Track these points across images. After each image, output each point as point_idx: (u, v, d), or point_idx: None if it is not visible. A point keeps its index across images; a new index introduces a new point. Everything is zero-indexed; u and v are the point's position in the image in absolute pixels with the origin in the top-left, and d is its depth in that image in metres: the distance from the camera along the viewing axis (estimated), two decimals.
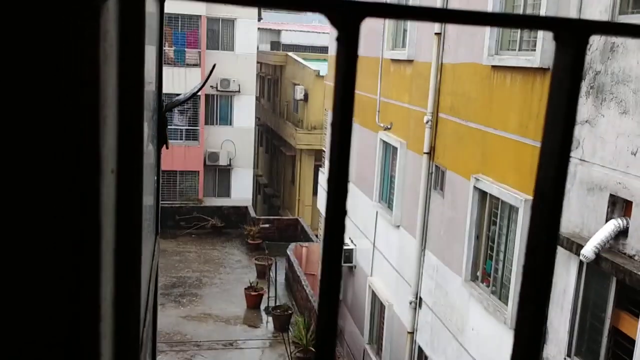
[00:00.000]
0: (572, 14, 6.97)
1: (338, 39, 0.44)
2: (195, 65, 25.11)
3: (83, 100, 0.44)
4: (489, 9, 8.69)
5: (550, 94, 0.47)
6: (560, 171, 0.48)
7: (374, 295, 13.50)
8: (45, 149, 0.46)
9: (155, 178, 1.55)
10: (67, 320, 0.47)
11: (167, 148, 1.63)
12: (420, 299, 11.15)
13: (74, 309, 0.48)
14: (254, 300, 17.44)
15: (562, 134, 0.47)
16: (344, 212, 0.46)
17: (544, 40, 7.49)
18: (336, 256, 0.48)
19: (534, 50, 7.81)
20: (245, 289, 17.72)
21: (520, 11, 8.28)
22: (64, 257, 0.48)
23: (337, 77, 0.45)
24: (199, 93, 24.84)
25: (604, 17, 6.55)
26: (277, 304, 17.11)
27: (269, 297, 17.33)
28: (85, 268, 0.48)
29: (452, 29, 10.19)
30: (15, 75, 0.44)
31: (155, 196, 1.57)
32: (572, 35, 0.46)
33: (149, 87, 1.39)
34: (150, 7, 1.14)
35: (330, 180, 0.44)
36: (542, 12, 7.49)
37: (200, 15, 25.21)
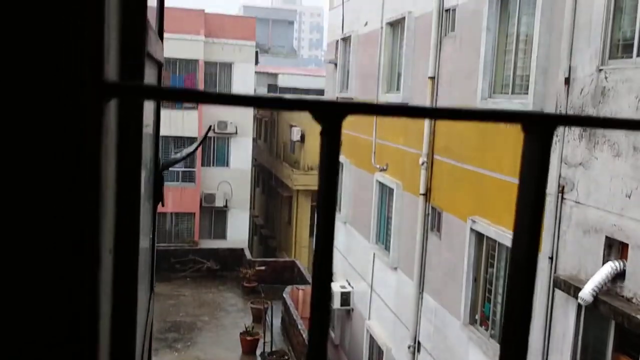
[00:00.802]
0: (563, 59, 7.13)
1: (321, 133, 0.48)
2: (192, 108, 25.35)
3: (84, 193, 0.48)
4: (481, 56, 8.88)
5: (520, 182, 0.50)
6: (530, 254, 0.51)
7: (371, 340, 13.34)
8: (45, 235, 0.49)
9: (151, 236, 1.58)
10: None
11: (162, 206, 1.66)
12: (419, 343, 11.02)
13: None
14: (249, 345, 17.17)
15: (530, 225, 0.50)
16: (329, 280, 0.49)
17: (536, 84, 7.63)
18: (325, 299, 0.49)
19: (527, 93, 7.95)
20: (241, 333, 17.46)
21: (512, 57, 8.45)
22: (60, 332, 0.50)
23: (320, 168, 0.48)
24: (195, 135, 25.00)
25: (594, 62, 6.69)
26: (274, 349, 16.85)
27: (264, 342, 17.07)
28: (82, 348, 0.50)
29: (445, 73, 10.38)
30: (20, 165, 0.48)
31: (150, 254, 1.59)
32: (538, 128, 0.50)
33: (146, 143, 1.42)
34: (149, 75, 1.19)
35: (314, 267, 0.47)
36: (534, 58, 7.65)
37: (197, 60, 25.60)
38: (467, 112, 0.48)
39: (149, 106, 1.33)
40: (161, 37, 1.50)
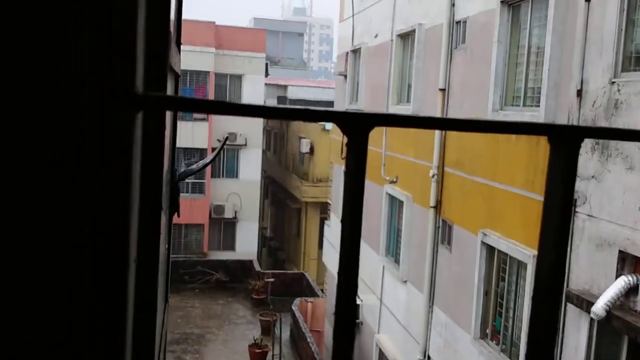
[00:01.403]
0: (575, 71, 7.11)
1: (347, 145, 0.48)
2: (202, 119, 25.47)
3: (116, 202, 0.48)
4: (492, 69, 8.87)
5: (545, 193, 0.50)
6: (558, 265, 0.50)
7: (381, 353, 13.24)
8: (79, 242, 0.49)
9: (167, 247, 1.58)
10: None
11: (178, 216, 1.66)
12: (429, 357, 10.93)
13: None
14: (258, 357, 17.11)
15: (557, 236, 0.49)
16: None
17: (548, 96, 7.60)
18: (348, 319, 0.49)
19: (538, 106, 7.92)
20: (249, 346, 17.41)
21: (523, 70, 8.44)
22: (85, 345, 0.50)
23: (346, 179, 0.48)
24: (205, 147, 25.10)
25: (607, 75, 6.67)
26: None
27: (273, 355, 17.00)
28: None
29: (456, 85, 10.37)
30: (53, 175, 0.48)
31: (166, 265, 1.59)
32: (565, 140, 0.50)
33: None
34: (169, 86, 1.20)
35: (339, 288, 0.46)
36: (545, 71, 7.64)
37: (208, 72, 25.74)
38: (493, 124, 0.48)
39: (166, 118, 1.34)
40: (179, 48, 1.51)
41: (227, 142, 26.17)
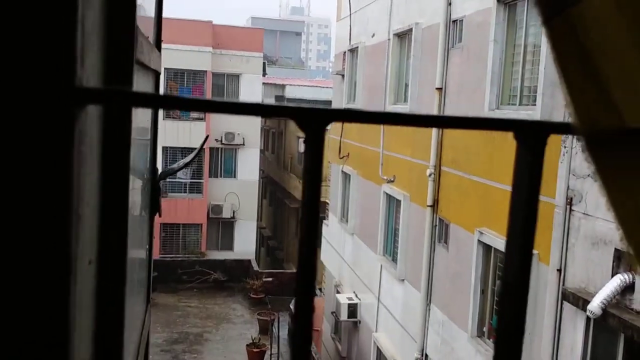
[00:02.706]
0: None
1: (305, 141, 0.46)
2: (200, 119, 25.45)
3: (52, 200, 0.47)
4: (489, 67, 8.87)
5: (512, 191, 0.49)
6: (524, 263, 0.49)
7: (379, 352, 13.25)
8: (13, 242, 0.48)
9: (148, 246, 1.57)
10: None
11: (159, 216, 1.65)
12: (426, 355, 10.93)
13: None
14: (256, 357, 17.11)
15: (523, 234, 0.48)
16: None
17: (544, 95, 7.59)
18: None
19: (535, 105, 7.92)
20: (247, 345, 17.41)
21: (520, 69, 8.43)
22: (32, 338, 0.49)
23: (304, 175, 0.47)
24: (203, 148, 25.07)
25: None
26: None
27: (271, 354, 17.00)
28: None
29: (453, 84, 10.37)
30: None
31: (146, 265, 1.58)
32: (531, 136, 0.48)
33: (142, 153, 1.41)
34: (143, 83, 1.18)
35: (298, 282, 0.45)
36: (542, 70, 7.63)
37: (205, 71, 25.72)
38: (457, 119, 0.47)
39: (145, 116, 1.32)
40: (159, 47, 1.50)
41: (225, 142, 26.16)
